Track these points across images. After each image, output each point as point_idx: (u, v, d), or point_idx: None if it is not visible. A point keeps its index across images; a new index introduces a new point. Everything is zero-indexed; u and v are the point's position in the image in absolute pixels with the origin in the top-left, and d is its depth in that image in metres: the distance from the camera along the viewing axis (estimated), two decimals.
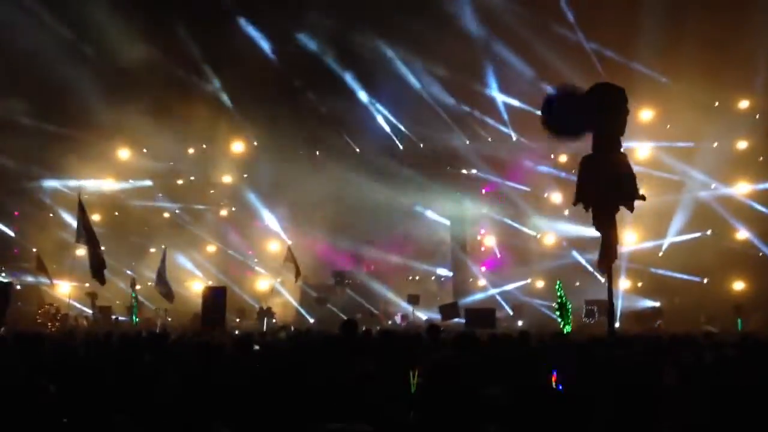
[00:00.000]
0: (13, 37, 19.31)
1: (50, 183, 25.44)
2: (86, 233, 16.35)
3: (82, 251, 22.79)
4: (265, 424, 4.42)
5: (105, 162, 25.37)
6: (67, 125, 23.05)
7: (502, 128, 24.44)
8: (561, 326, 20.09)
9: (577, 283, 23.42)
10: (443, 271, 26.61)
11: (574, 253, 23.89)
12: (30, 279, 23.41)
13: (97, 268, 16.17)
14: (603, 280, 22.92)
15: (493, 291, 25.01)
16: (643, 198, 8.39)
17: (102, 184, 26.03)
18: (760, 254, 21.76)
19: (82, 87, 20.80)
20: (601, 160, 8.27)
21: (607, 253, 8.30)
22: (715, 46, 18.62)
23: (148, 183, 26.58)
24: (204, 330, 14.38)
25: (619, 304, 17.77)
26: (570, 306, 20.90)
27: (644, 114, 22.09)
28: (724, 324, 18.20)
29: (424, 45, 21.73)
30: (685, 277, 22.23)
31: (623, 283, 22.36)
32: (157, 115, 22.82)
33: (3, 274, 24.34)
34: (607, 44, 20.60)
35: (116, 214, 26.72)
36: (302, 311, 24.40)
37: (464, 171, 26.02)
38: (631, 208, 8.45)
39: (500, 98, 23.67)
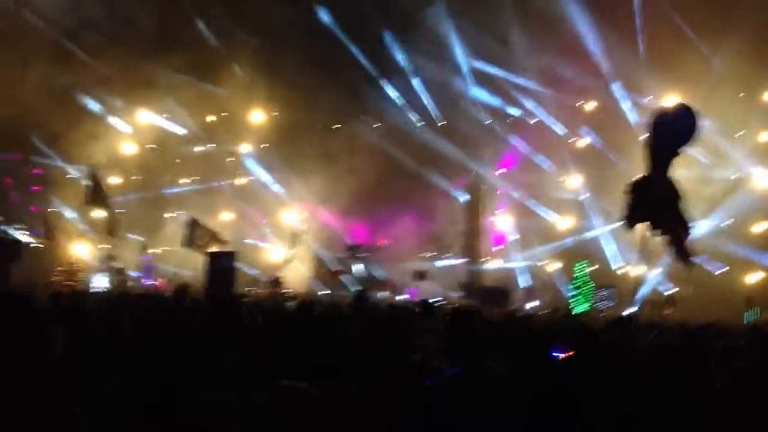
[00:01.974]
0: None
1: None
2: (102, 199, 16.40)
3: (99, 212, 23.17)
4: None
5: (125, 125, 25.56)
6: (87, 86, 23.25)
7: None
8: (573, 306, 20.13)
9: (595, 267, 23.37)
10: (450, 260, 26.52)
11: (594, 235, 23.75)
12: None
13: (112, 229, 16.28)
14: (617, 267, 23.04)
15: (512, 264, 25.02)
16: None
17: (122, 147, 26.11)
18: None
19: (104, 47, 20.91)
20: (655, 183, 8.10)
21: (680, 248, 8.18)
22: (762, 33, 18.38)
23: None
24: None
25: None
26: (591, 287, 20.90)
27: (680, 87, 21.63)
28: (735, 316, 18.03)
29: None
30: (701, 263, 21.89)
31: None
32: (178, 80, 22.97)
33: (20, 232, 24.68)
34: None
35: (133, 178, 26.92)
36: (315, 283, 24.53)
37: (482, 149, 25.89)
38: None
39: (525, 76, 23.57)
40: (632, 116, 22.52)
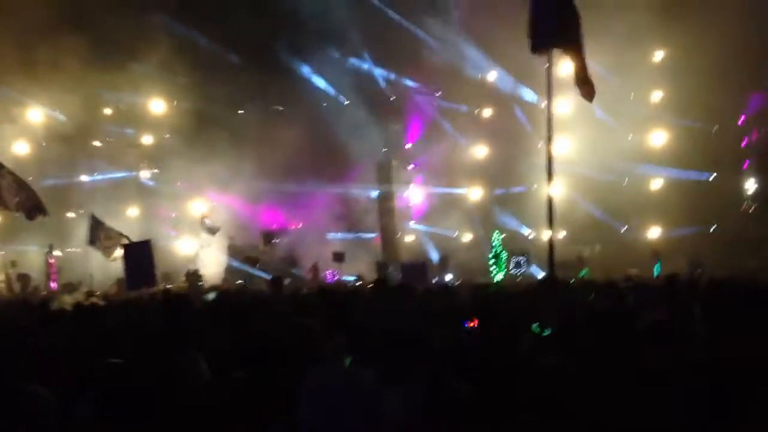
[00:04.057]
0: None
1: None
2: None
3: None
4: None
5: (15, 124, 24.23)
6: None
7: None
8: (492, 275, 20.70)
9: (503, 235, 23.99)
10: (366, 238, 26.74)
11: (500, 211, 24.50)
12: None
13: (32, 208, 14.84)
14: (528, 233, 23.74)
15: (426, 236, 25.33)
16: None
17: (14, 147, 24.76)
18: (674, 202, 22.58)
19: None
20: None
21: (584, 81, 8.19)
22: None
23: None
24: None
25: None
26: (505, 256, 21.50)
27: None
28: (643, 270, 18.97)
29: None
30: (605, 219, 22.84)
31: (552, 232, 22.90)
32: (71, 73, 21.92)
33: None
34: None
35: (30, 179, 25.56)
36: (230, 272, 24.08)
37: (390, 125, 26.14)
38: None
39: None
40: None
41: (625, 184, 23.12)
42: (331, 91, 25.73)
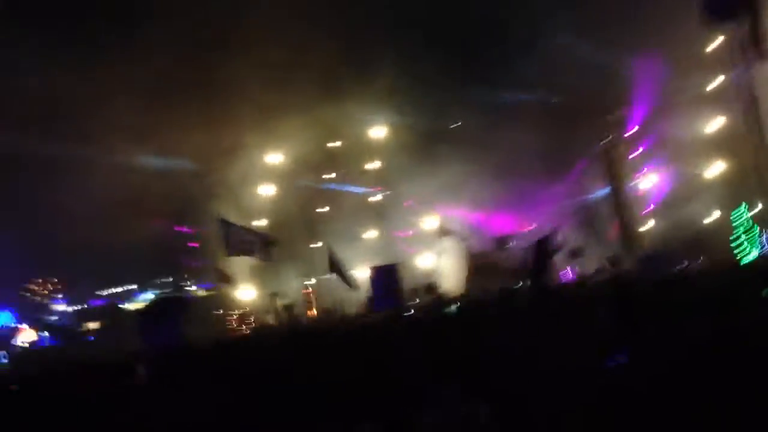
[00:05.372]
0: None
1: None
2: (241, 243, 17.16)
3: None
4: None
5: (257, 168, 26.73)
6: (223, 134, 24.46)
7: None
8: (742, 254, 18.91)
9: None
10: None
11: None
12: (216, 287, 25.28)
13: (266, 249, 16.89)
14: None
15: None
16: None
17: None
18: None
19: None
20: None
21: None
22: None
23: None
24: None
25: None
26: (755, 231, 19.52)
27: None
28: None
29: None
30: None
31: None
32: (300, 114, 23.82)
33: (189, 284, 26.53)
34: None
35: (279, 217, 28.01)
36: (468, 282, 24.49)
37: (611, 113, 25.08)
38: None
39: None
40: None
41: None
42: (544, 87, 25.15)
